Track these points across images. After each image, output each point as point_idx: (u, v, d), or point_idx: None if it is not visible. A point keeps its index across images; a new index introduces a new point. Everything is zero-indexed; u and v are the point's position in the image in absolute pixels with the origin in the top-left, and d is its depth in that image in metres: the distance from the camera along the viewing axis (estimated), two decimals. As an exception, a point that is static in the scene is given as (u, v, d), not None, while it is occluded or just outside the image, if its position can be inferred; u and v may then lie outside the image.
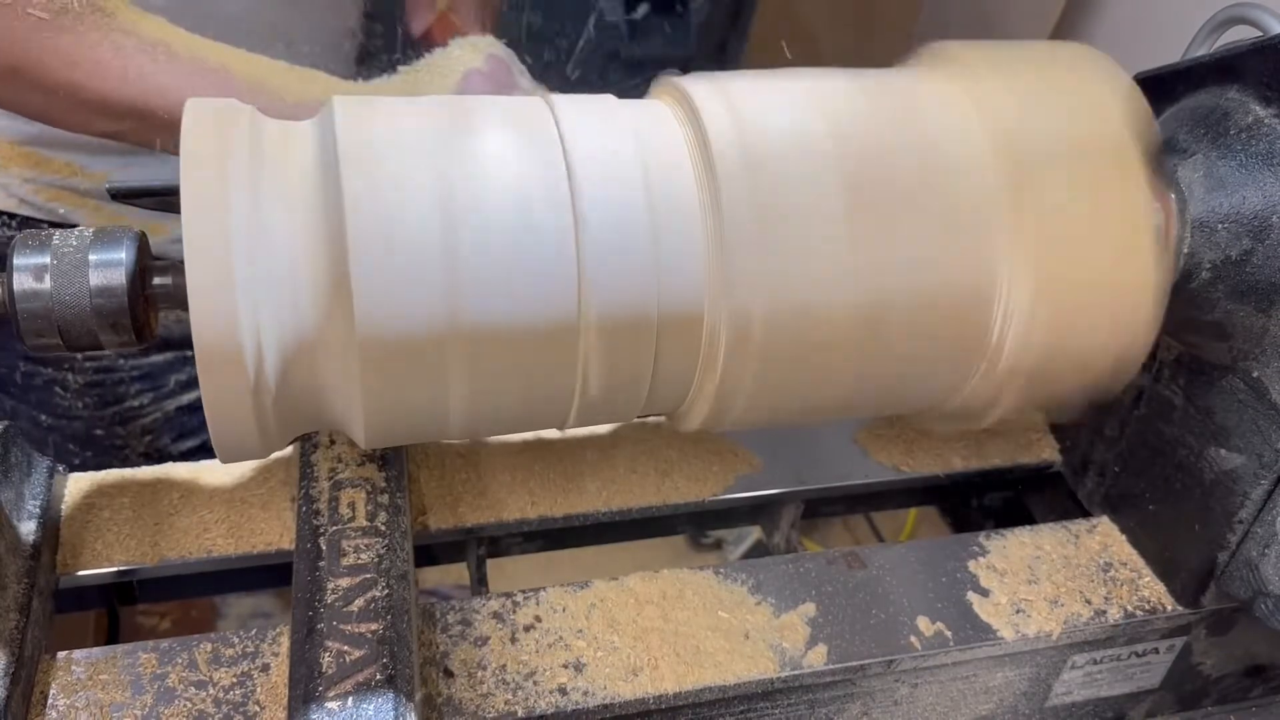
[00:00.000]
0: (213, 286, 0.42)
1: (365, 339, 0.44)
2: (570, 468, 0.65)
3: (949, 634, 0.58)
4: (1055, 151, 0.51)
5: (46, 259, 0.45)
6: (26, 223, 0.85)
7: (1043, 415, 0.73)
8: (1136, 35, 1.20)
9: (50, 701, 0.50)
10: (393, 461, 0.57)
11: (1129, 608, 0.61)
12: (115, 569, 0.57)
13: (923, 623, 0.58)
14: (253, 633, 0.53)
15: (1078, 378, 0.54)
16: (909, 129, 0.51)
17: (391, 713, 0.45)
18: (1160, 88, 0.57)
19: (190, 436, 0.97)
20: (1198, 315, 0.55)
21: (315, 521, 0.53)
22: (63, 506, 0.59)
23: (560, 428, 0.53)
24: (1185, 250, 0.53)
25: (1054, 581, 0.62)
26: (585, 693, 0.52)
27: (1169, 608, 0.61)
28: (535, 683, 0.52)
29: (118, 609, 0.63)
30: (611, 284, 0.46)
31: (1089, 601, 0.61)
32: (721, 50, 1.64)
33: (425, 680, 0.52)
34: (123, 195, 0.50)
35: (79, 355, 0.90)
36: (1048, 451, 0.72)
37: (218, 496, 0.60)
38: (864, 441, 0.71)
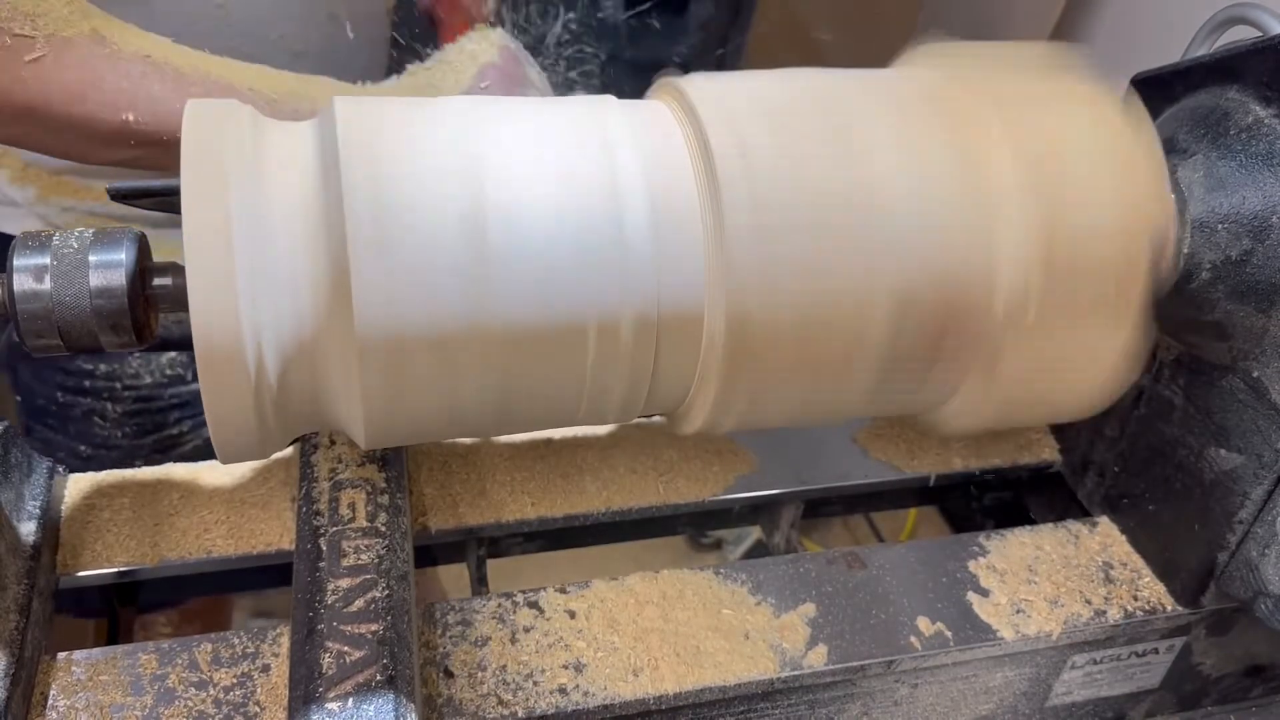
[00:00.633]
0: (213, 287, 0.42)
1: (365, 339, 0.44)
2: (570, 468, 0.66)
3: (949, 634, 0.58)
4: (1056, 149, 0.51)
5: (46, 259, 0.45)
6: None
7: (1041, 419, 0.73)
8: (1136, 35, 1.20)
9: (50, 702, 0.50)
10: (393, 462, 0.57)
11: (1129, 608, 0.61)
12: (115, 569, 0.57)
13: (923, 623, 0.58)
14: (253, 633, 0.53)
15: (1078, 378, 0.54)
16: (910, 130, 0.51)
17: (392, 713, 0.45)
18: (1160, 88, 0.57)
19: None
20: (1198, 315, 0.55)
21: (315, 522, 0.53)
22: (63, 507, 0.59)
23: (558, 427, 0.53)
24: (1185, 250, 0.53)
25: (1054, 581, 0.62)
26: (585, 693, 0.52)
27: (1169, 608, 0.61)
28: (535, 683, 0.52)
29: (118, 609, 0.63)
30: (611, 285, 0.46)
31: (1089, 601, 0.61)
32: (721, 50, 1.64)
33: (425, 680, 0.52)
34: (123, 195, 0.50)
35: (119, 385, 0.90)
36: (1048, 451, 0.72)
37: (218, 496, 0.60)
38: (864, 441, 0.71)
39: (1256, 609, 0.57)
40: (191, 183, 0.43)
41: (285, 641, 0.53)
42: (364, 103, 0.48)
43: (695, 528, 0.72)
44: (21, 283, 0.45)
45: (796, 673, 0.55)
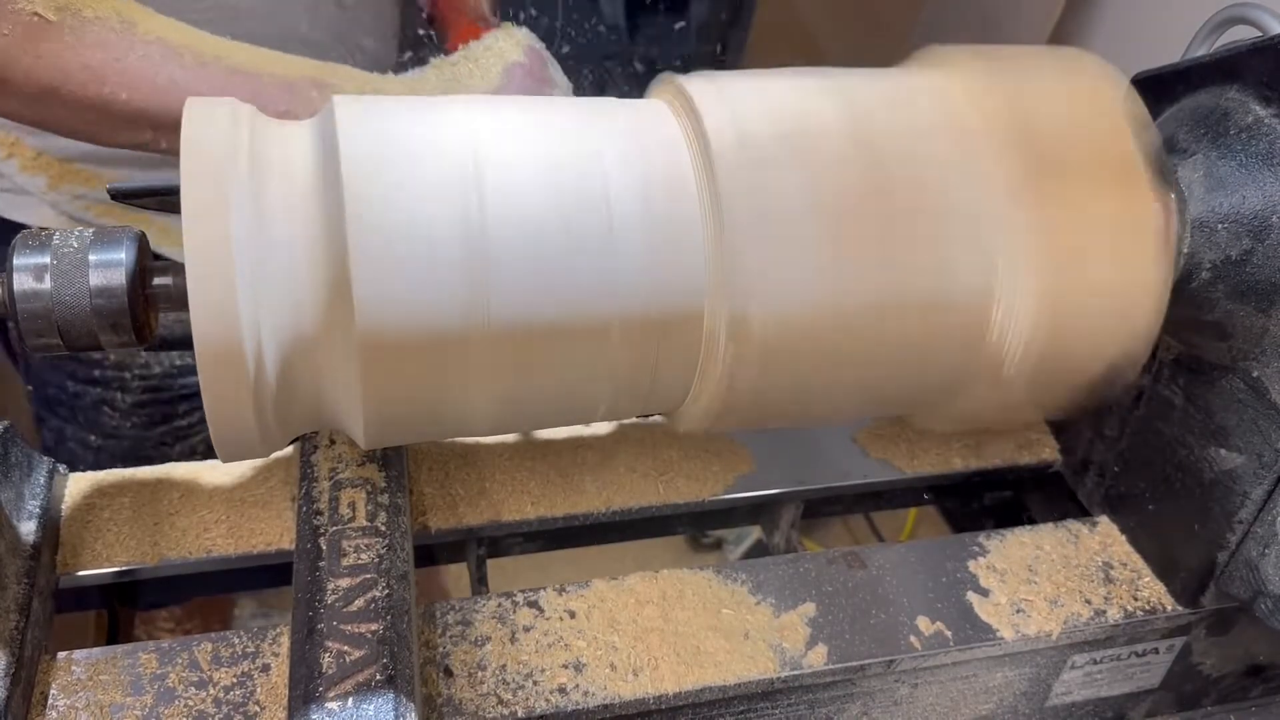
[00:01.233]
0: (213, 286, 0.42)
1: (365, 338, 0.44)
2: (570, 468, 0.65)
3: (949, 634, 0.58)
4: (1055, 149, 0.51)
5: (46, 259, 0.45)
6: None
7: (1042, 415, 0.73)
8: (1136, 35, 1.20)
9: (50, 702, 0.50)
10: (393, 461, 0.57)
11: (1129, 608, 0.61)
12: (115, 569, 0.57)
13: (923, 623, 0.58)
14: (253, 632, 0.53)
15: (1077, 378, 0.54)
16: (909, 131, 0.51)
17: (392, 713, 0.45)
18: (1160, 88, 0.57)
19: None
20: (1198, 315, 0.55)
21: (315, 521, 0.53)
22: (63, 506, 0.59)
23: (558, 426, 0.53)
24: (1185, 250, 0.53)
25: (1054, 581, 0.62)
26: (585, 693, 0.52)
27: (1169, 608, 0.61)
28: (535, 683, 0.52)
29: (118, 609, 0.63)
30: (610, 284, 0.46)
31: (1089, 601, 0.61)
32: (721, 50, 1.64)
33: (425, 680, 0.52)
34: (124, 195, 0.50)
35: (128, 375, 0.91)
36: (1048, 451, 0.72)
37: (218, 496, 0.60)
38: (864, 441, 0.71)
39: (1256, 609, 0.57)
40: (191, 182, 0.43)
41: (285, 641, 0.53)
42: (364, 103, 0.48)
43: (695, 528, 0.72)
44: (21, 282, 0.45)
45: (796, 672, 0.55)
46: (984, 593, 0.60)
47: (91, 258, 0.46)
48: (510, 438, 0.67)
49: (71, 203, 0.83)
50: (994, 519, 0.77)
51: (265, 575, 0.61)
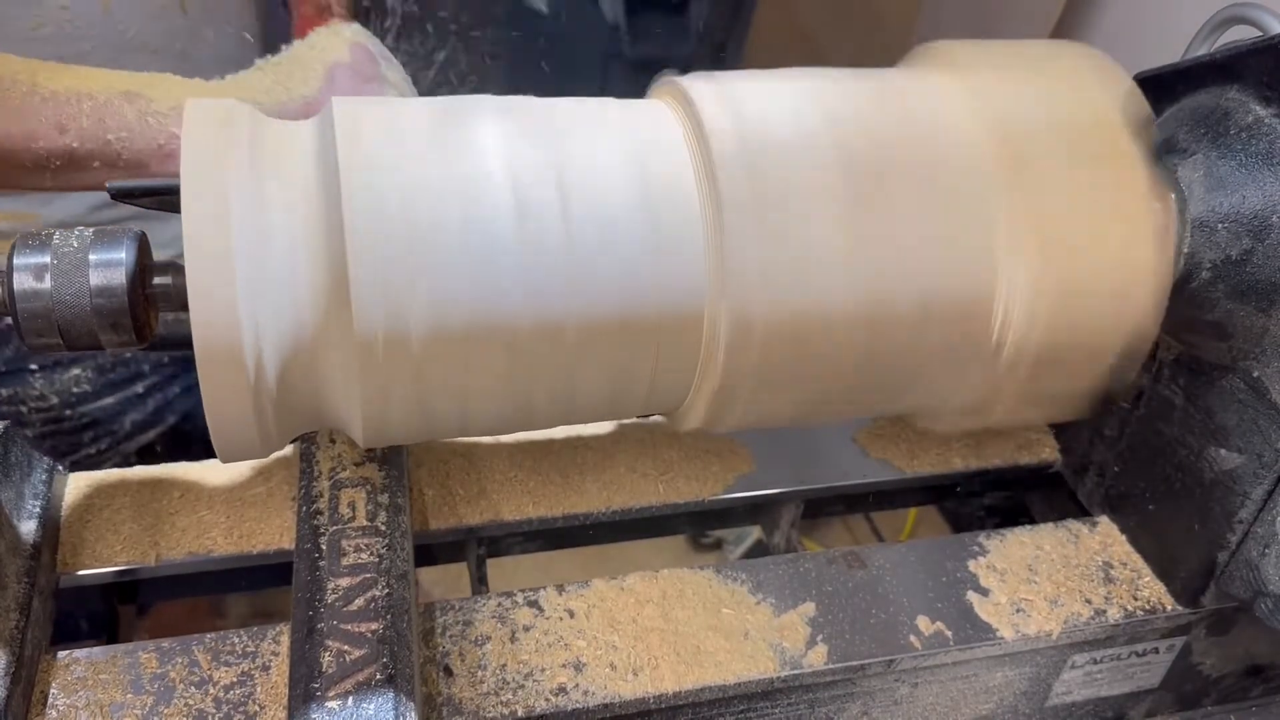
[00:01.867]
0: (213, 286, 0.42)
1: (363, 338, 0.44)
2: (570, 468, 0.65)
3: (949, 634, 0.58)
4: (1055, 147, 0.51)
5: (47, 259, 0.45)
6: None
7: (1043, 418, 0.73)
8: (1136, 35, 1.20)
9: (50, 701, 0.50)
10: (393, 461, 0.57)
11: (1129, 607, 0.61)
12: (115, 569, 0.57)
13: (923, 622, 0.58)
14: (253, 632, 0.53)
15: (1078, 375, 0.54)
16: (909, 128, 0.51)
17: (392, 712, 0.45)
18: (1160, 88, 0.57)
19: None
20: (1198, 315, 0.55)
21: (315, 521, 0.53)
22: (63, 506, 0.59)
23: (557, 426, 0.53)
24: (1185, 250, 0.53)
25: (1054, 581, 0.62)
26: (585, 692, 0.52)
27: (1169, 607, 0.61)
28: (535, 682, 0.52)
29: (118, 609, 0.63)
30: (609, 284, 0.46)
31: (1089, 601, 0.61)
32: (721, 50, 1.64)
33: (425, 680, 0.52)
34: (123, 194, 0.50)
35: (25, 409, 0.89)
36: (1048, 451, 0.72)
37: (218, 496, 0.60)
38: (864, 441, 0.71)
39: (1256, 609, 0.57)
40: (191, 182, 0.43)
41: (285, 640, 0.53)
42: (363, 104, 0.48)
43: (695, 528, 0.72)
44: (21, 281, 0.45)
45: (796, 672, 0.55)
46: (984, 592, 0.60)
47: (92, 257, 0.46)
48: (510, 438, 0.67)
49: None
50: (994, 519, 0.77)
51: (265, 575, 0.61)
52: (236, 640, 0.53)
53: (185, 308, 0.43)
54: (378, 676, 0.46)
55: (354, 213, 0.43)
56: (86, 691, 0.50)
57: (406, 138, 0.46)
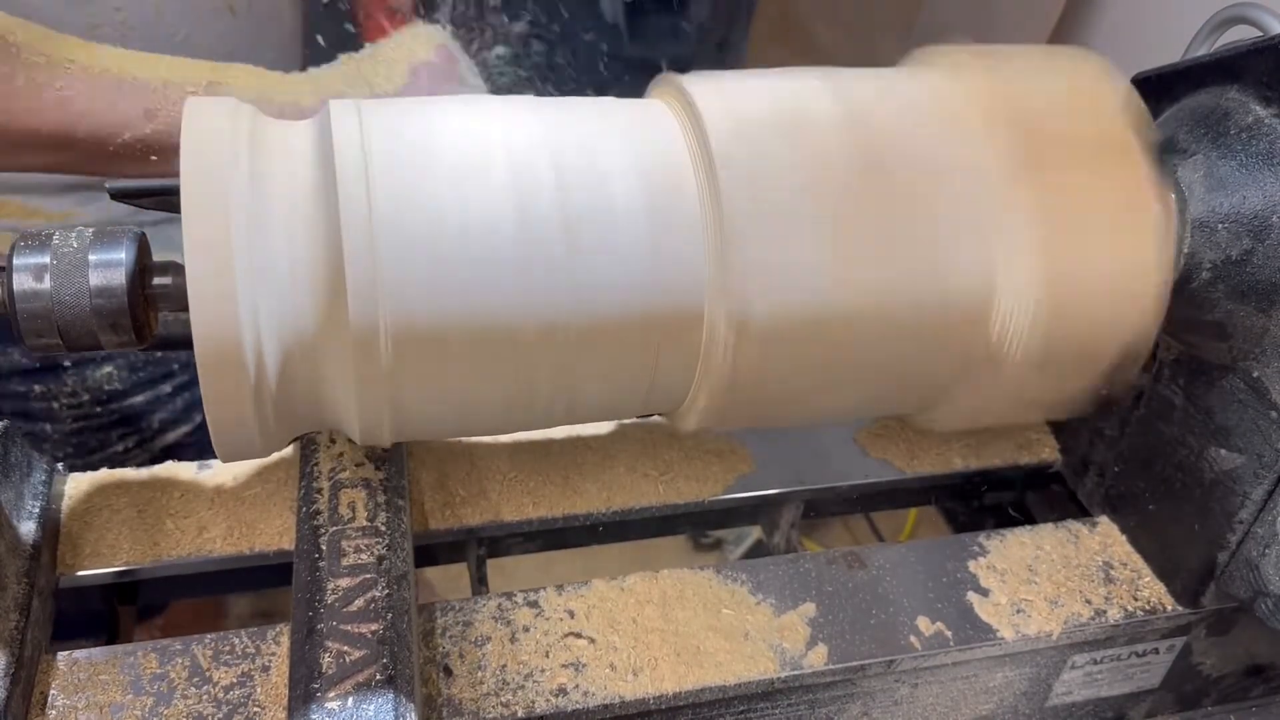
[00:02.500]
0: (213, 286, 0.42)
1: (360, 338, 0.44)
2: (570, 468, 0.65)
3: (949, 634, 0.58)
4: (1055, 148, 0.51)
5: (46, 259, 0.45)
6: None
7: (1044, 415, 0.73)
8: (1136, 35, 1.20)
9: (50, 701, 0.50)
10: (393, 461, 0.57)
11: (1129, 608, 0.61)
12: (115, 569, 0.57)
13: (923, 623, 0.58)
14: (253, 633, 0.53)
15: (1079, 375, 0.54)
16: (909, 128, 0.51)
17: (392, 713, 0.45)
18: (1160, 88, 0.57)
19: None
20: (1198, 315, 0.55)
21: (315, 521, 0.53)
22: (63, 506, 0.59)
23: (557, 425, 0.53)
24: (1185, 250, 0.53)
25: (1054, 581, 0.62)
26: (585, 693, 0.52)
27: (1169, 608, 0.61)
28: (535, 683, 0.52)
29: (118, 609, 0.63)
30: (609, 284, 0.46)
31: (1089, 601, 0.61)
32: (721, 50, 1.64)
33: (425, 680, 0.52)
34: (123, 195, 0.50)
35: (57, 405, 0.89)
36: (1048, 451, 0.72)
37: (218, 496, 0.60)
38: (864, 441, 0.71)
39: (1257, 609, 0.57)
40: (191, 182, 0.43)
41: (285, 641, 0.53)
42: (361, 104, 0.48)
43: (695, 528, 0.72)
44: (21, 282, 0.45)
45: (796, 672, 0.55)
46: (984, 593, 0.60)
47: (91, 257, 0.46)
48: (510, 437, 0.67)
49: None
50: (994, 519, 0.77)
51: (265, 575, 0.61)
52: (236, 641, 0.53)
53: (185, 308, 0.42)
54: (378, 677, 0.46)
55: (351, 212, 0.43)
56: (86, 692, 0.50)
57: (404, 137, 0.46)
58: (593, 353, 0.48)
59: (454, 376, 0.46)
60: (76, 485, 0.60)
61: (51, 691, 0.50)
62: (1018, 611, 0.60)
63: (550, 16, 1.49)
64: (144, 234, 0.48)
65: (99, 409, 0.91)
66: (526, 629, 0.55)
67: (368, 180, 0.44)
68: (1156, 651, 0.65)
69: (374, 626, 0.48)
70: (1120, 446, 0.65)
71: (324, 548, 0.52)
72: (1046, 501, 0.74)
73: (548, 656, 0.54)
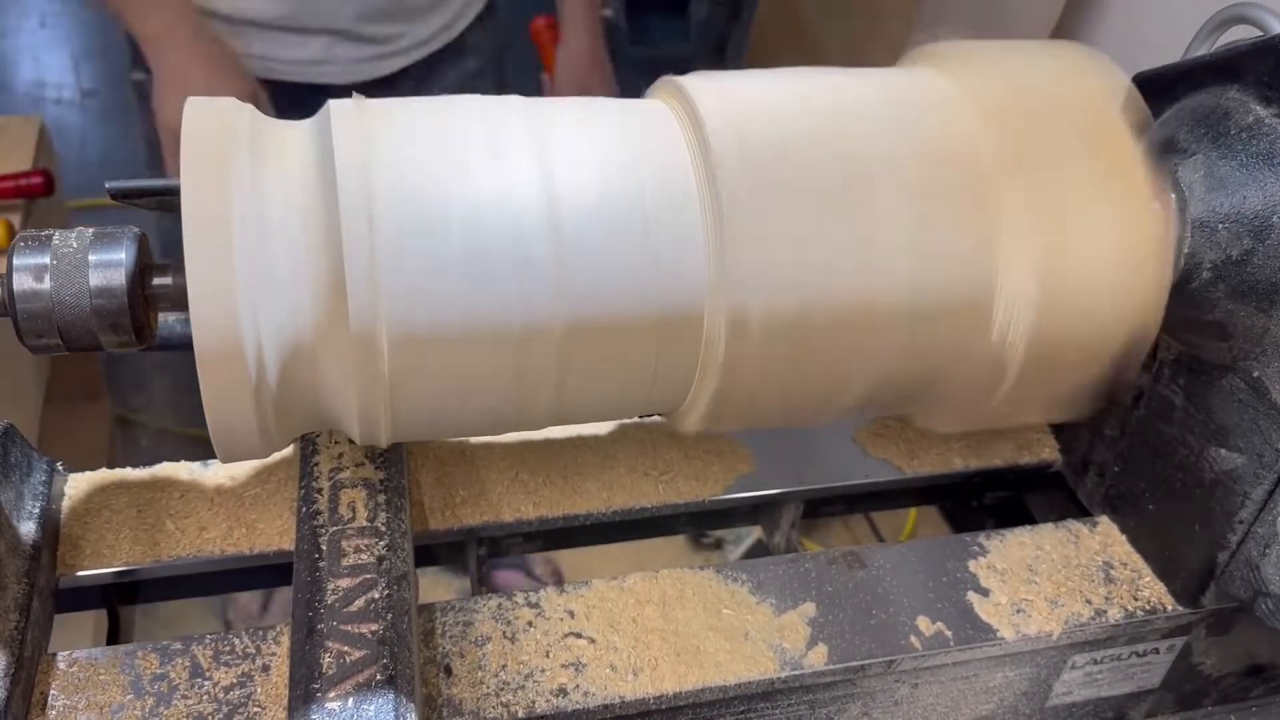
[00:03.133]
0: (213, 286, 0.42)
1: (359, 338, 0.44)
2: (570, 468, 0.65)
3: (949, 634, 0.58)
4: (1054, 147, 0.51)
5: (46, 259, 0.45)
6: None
7: (1045, 417, 0.73)
8: (1136, 35, 1.20)
9: (50, 701, 0.50)
10: (393, 461, 0.57)
11: (1129, 608, 0.61)
12: (115, 569, 0.57)
13: (923, 623, 0.58)
14: (253, 633, 0.53)
15: (1080, 374, 0.54)
16: (909, 127, 0.51)
17: (392, 713, 0.45)
18: (1160, 88, 0.57)
19: None
20: (1198, 315, 0.55)
21: (315, 521, 0.53)
22: (63, 506, 0.59)
23: (557, 425, 0.53)
24: (1185, 250, 0.53)
25: (1054, 581, 0.61)
26: (585, 693, 0.52)
27: (1169, 608, 0.61)
28: (535, 683, 0.52)
29: (118, 609, 0.63)
30: (608, 284, 0.46)
31: (1089, 601, 0.61)
32: (721, 50, 1.64)
33: (425, 680, 0.52)
34: (122, 195, 0.50)
35: None
36: (1048, 451, 0.72)
37: (218, 496, 0.60)
38: (863, 441, 0.71)
39: (1257, 609, 0.57)
40: (191, 182, 0.43)
41: (285, 641, 0.53)
42: (360, 104, 0.48)
43: (695, 528, 0.72)
44: (21, 282, 0.45)
45: (796, 673, 0.55)
46: (984, 593, 0.60)
47: (91, 258, 0.46)
48: (510, 437, 0.67)
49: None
50: (994, 519, 0.77)
51: (265, 575, 0.61)
52: (236, 641, 0.53)
53: (185, 308, 0.43)
54: (378, 677, 0.46)
55: (350, 213, 0.43)
56: (86, 692, 0.50)
57: (403, 137, 0.46)
58: (592, 353, 0.48)
59: (453, 377, 0.46)
60: (76, 485, 0.60)
61: (51, 691, 0.50)
62: (1018, 611, 0.60)
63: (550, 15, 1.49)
64: (144, 234, 0.48)
65: None
66: (527, 629, 0.55)
67: (368, 180, 0.44)
68: (1157, 651, 0.65)
69: (374, 627, 0.48)
70: (1120, 446, 0.65)
71: (324, 548, 0.52)
72: (1046, 501, 0.74)
73: (548, 656, 0.54)
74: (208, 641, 0.53)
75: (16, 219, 1.30)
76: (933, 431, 0.69)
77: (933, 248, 0.49)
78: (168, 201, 0.47)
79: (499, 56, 1.30)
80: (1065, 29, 1.31)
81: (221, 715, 0.49)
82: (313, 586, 0.50)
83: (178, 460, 0.63)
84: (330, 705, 0.45)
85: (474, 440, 0.66)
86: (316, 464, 0.57)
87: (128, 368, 2.07)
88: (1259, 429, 0.54)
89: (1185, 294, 0.54)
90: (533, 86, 1.35)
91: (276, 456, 0.61)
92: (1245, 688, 0.71)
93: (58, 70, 3.02)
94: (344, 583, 0.50)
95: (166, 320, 0.53)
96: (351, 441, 0.57)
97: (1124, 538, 0.65)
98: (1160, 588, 0.62)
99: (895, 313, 0.49)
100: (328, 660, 0.47)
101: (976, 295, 0.50)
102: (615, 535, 0.68)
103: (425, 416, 0.49)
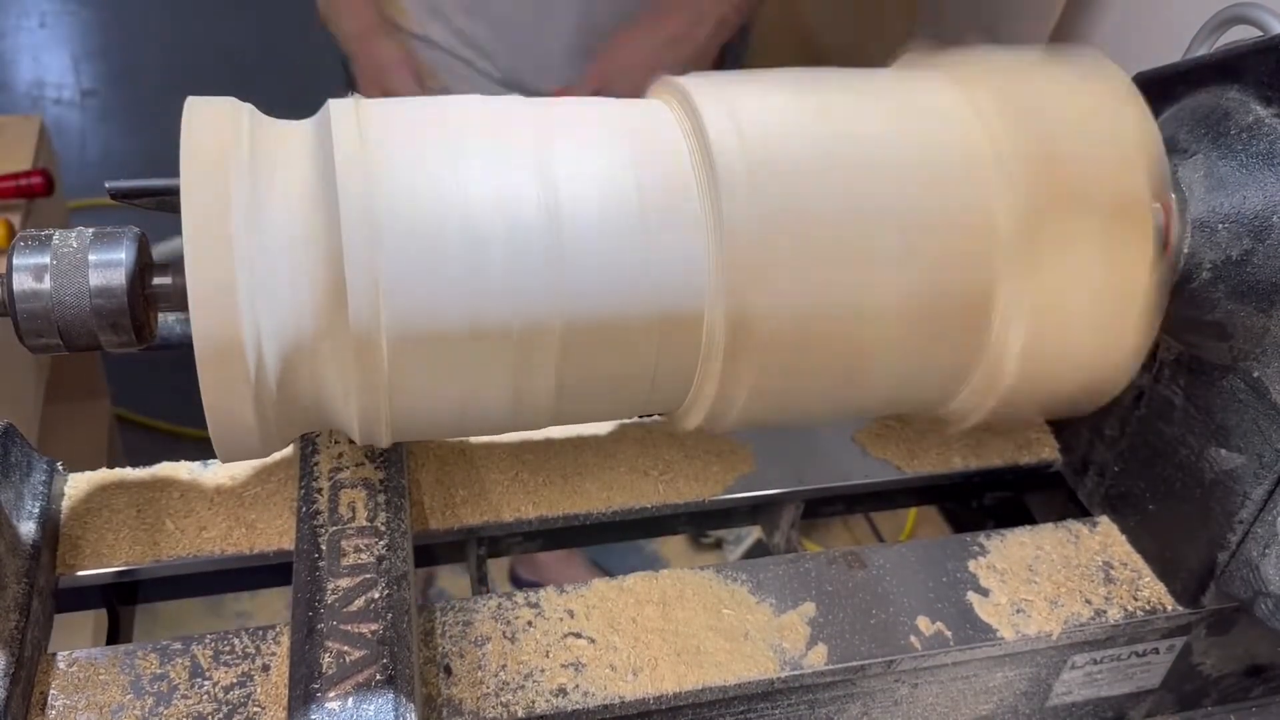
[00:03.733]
0: (213, 286, 0.42)
1: (359, 338, 0.44)
2: (570, 468, 0.65)
3: (949, 634, 0.58)
4: (1055, 147, 0.51)
5: (46, 259, 0.45)
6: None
7: (1043, 415, 0.73)
8: (1136, 35, 1.20)
9: (50, 701, 0.50)
10: (393, 461, 0.57)
11: (1129, 608, 0.61)
12: (115, 569, 0.57)
13: (923, 623, 0.58)
14: (253, 633, 0.53)
15: (1077, 376, 0.54)
16: (909, 127, 0.51)
17: (392, 713, 0.45)
18: (1160, 88, 0.57)
19: None
20: (1198, 315, 0.55)
21: (315, 521, 0.53)
22: (63, 506, 0.59)
23: (557, 425, 0.53)
24: (1185, 250, 0.53)
25: (1054, 581, 0.62)
26: (585, 693, 0.52)
27: (1169, 608, 0.61)
28: (535, 683, 0.52)
29: (118, 609, 0.63)
30: (608, 285, 0.46)
31: (1089, 601, 0.61)
32: (722, 51, 1.63)
33: (425, 680, 0.52)
34: (122, 195, 0.50)
35: None
36: (1048, 451, 0.72)
37: (218, 496, 0.60)
38: (864, 441, 0.71)
39: (1257, 609, 0.57)
40: (191, 182, 0.43)
41: (285, 641, 0.53)
42: (360, 103, 0.48)
43: (695, 528, 0.72)
44: (21, 282, 0.45)
45: (796, 673, 0.55)
46: (984, 593, 0.60)
47: (91, 258, 0.46)
48: (510, 437, 0.67)
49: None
50: (994, 519, 0.77)
51: (265, 575, 0.61)
52: (236, 641, 0.53)
53: (185, 308, 0.42)
54: (378, 677, 0.46)
55: (350, 212, 0.43)
56: (86, 692, 0.50)
57: (403, 137, 0.46)
58: (593, 353, 0.48)
59: (453, 377, 0.46)
60: (76, 485, 0.60)
61: (51, 691, 0.50)
62: (1018, 611, 0.60)
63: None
64: (144, 234, 0.48)
65: None
66: (526, 629, 0.55)
67: (367, 180, 0.44)
68: (1156, 651, 0.65)
69: (374, 626, 0.48)
70: (1120, 446, 0.65)
71: (324, 548, 0.52)
72: (1046, 501, 0.74)
73: (548, 656, 0.54)
74: (207, 641, 0.53)
75: (16, 219, 1.30)
76: (933, 431, 0.69)
77: (933, 250, 0.49)
78: (168, 201, 0.47)
79: None
80: (1065, 28, 1.31)
81: (221, 715, 0.49)
82: (312, 586, 0.50)
83: (178, 460, 0.63)
84: (330, 705, 0.45)
85: (474, 440, 0.66)
86: (316, 464, 0.57)
87: (128, 368, 2.07)
88: (1259, 429, 0.54)
89: (1185, 294, 0.54)
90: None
91: (276, 456, 0.61)
92: (1245, 688, 0.71)
93: (58, 70, 3.02)
94: (344, 582, 0.50)
95: (166, 320, 0.53)
96: (351, 441, 0.57)
97: (1124, 538, 0.65)
98: (1160, 588, 0.62)
99: (895, 314, 0.49)
100: (327, 660, 0.47)
101: (976, 298, 0.50)
102: (615, 535, 0.68)
103: (425, 416, 0.49)
